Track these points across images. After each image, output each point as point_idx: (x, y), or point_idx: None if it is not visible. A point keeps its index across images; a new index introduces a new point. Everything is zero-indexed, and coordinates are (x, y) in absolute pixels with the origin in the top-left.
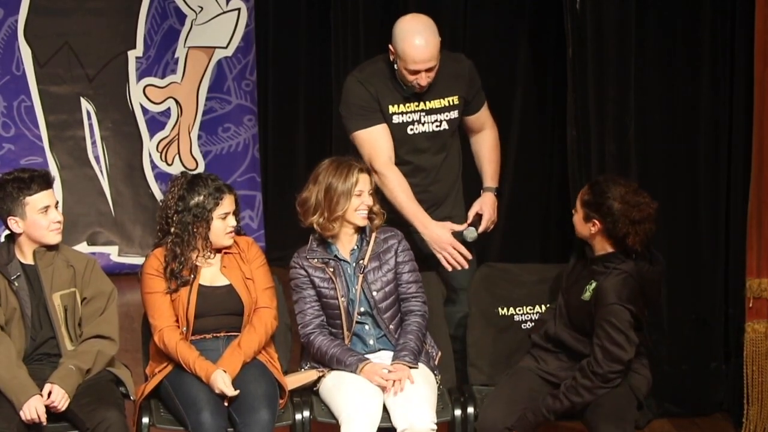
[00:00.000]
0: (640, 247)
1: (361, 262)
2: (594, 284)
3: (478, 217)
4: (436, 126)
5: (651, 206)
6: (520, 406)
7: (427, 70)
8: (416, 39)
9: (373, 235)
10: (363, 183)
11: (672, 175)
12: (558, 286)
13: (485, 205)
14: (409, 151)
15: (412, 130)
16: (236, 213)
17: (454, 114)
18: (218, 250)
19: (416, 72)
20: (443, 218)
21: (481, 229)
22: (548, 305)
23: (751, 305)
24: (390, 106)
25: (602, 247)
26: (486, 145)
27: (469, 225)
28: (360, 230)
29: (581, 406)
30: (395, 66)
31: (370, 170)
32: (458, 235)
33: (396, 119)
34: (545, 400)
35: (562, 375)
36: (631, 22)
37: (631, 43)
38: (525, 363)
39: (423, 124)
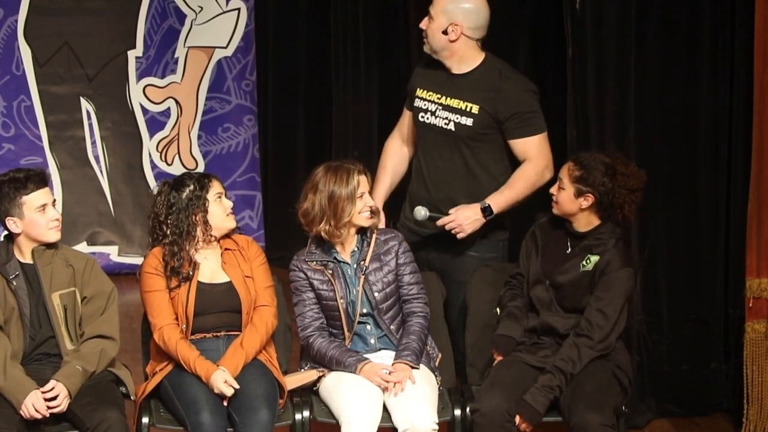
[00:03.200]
0: (632, 216)
1: (362, 263)
2: (595, 258)
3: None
4: (444, 123)
5: (642, 174)
6: (518, 390)
7: (426, 16)
8: None
9: (374, 236)
10: (363, 185)
11: (672, 176)
12: (521, 277)
13: (460, 209)
14: (421, 144)
15: (422, 117)
16: (227, 196)
17: (467, 121)
18: (220, 240)
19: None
20: (447, 244)
21: (439, 222)
22: (506, 305)
23: (751, 305)
24: (419, 89)
25: (588, 222)
26: (516, 173)
27: (430, 211)
28: (360, 231)
29: (572, 377)
30: None
31: (366, 171)
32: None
33: (416, 102)
34: (540, 380)
35: (550, 361)
36: (631, 22)
37: (631, 43)
38: (508, 356)
39: (435, 117)
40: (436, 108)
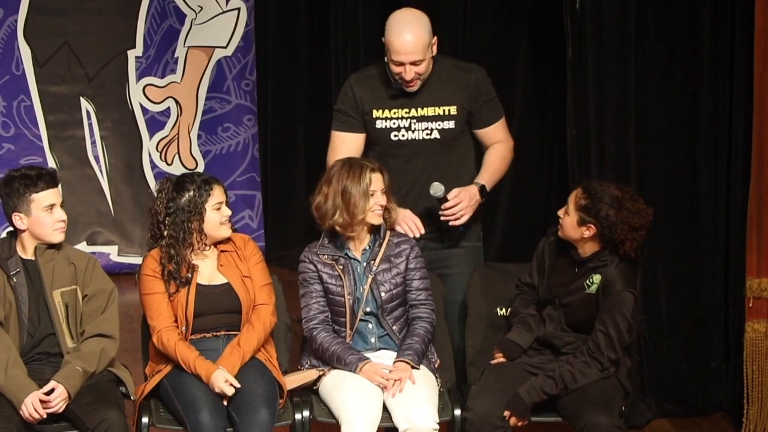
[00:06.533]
0: (634, 253)
1: (371, 262)
2: (599, 277)
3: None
4: (427, 134)
5: (649, 213)
6: (508, 394)
7: (413, 64)
8: (403, 30)
9: (387, 237)
10: (376, 182)
11: (672, 175)
12: (528, 291)
13: (463, 191)
14: (395, 156)
15: (396, 136)
16: (227, 204)
17: (449, 124)
18: (215, 244)
19: (401, 64)
20: (438, 230)
21: (444, 205)
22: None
23: (751, 305)
24: (374, 110)
25: (591, 248)
26: (492, 153)
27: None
28: (373, 230)
29: (570, 391)
30: (386, 59)
31: (382, 169)
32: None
33: (379, 124)
34: (540, 381)
35: (546, 367)
36: (631, 22)
37: (631, 43)
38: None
39: (413, 132)
40: (410, 122)
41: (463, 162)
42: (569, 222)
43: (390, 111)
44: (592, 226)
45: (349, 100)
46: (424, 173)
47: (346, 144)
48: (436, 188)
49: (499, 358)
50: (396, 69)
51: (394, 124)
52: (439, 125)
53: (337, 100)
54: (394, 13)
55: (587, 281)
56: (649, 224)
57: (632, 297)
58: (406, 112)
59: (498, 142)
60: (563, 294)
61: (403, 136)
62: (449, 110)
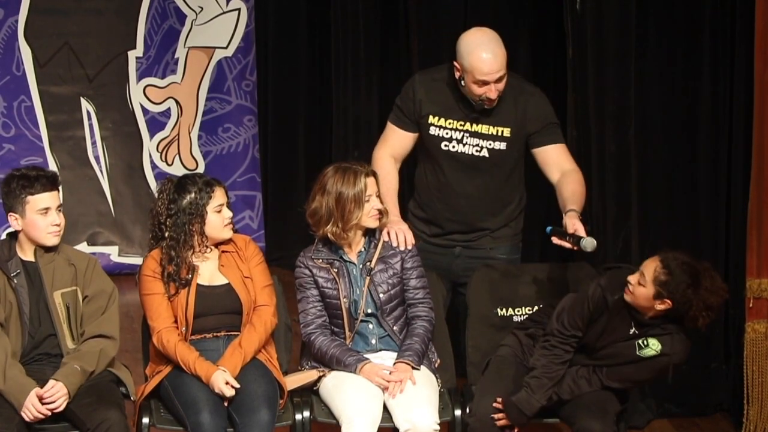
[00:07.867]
0: (704, 329)
1: (368, 264)
2: (656, 343)
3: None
4: (476, 151)
5: (724, 290)
6: (510, 393)
7: (497, 81)
8: (483, 51)
9: (382, 238)
10: (371, 187)
11: (672, 175)
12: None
13: (578, 223)
14: (441, 165)
15: (446, 146)
16: (228, 206)
17: (501, 145)
18: (216, 245)
19: (485, 84)
20: (476, 250)
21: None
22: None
23: (751, 305)
24: (431, 116)
25: (654, 313)
26: (573, 185)
27: (588, 235)
28: (368, 232)
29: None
30: (462, 83)
31: (375, 173)
32: (576, 243)
33: (432, 131)
34: (535, 392)
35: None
36: (631, 22)
37: (631, 43)
38: (503, 352)
39: (464, 145)
40: (463, 135)
41: (505, 188)
42: (644, 293)
43: (446, 120)
44: (669, 301)
45: (408, 99)
46: (464, 189)
47: (396, 137)
48: (589, 243)
49: (502, 421)
50: (480, 90)
51: (446, 134)
52: (490, 144)
53: (399, 94)
54: (466, 36)
55: (641, 341)
56: (724, 302)
57: (676, 366)
58: (461, 125)
59: (569, 170)
60: (607, 344)
61: (453, 147)
62: (503, 131)
